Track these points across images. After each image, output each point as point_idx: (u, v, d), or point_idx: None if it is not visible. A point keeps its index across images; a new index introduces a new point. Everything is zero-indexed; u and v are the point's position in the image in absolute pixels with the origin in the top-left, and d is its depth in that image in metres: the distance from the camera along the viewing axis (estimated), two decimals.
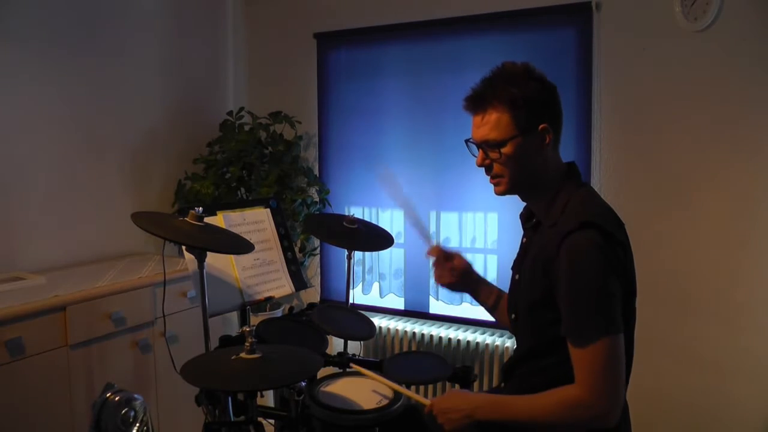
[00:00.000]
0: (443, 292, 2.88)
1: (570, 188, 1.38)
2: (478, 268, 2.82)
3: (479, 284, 1.70)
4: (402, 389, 1.56)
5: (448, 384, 2.65)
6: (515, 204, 2.41)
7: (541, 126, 1.34)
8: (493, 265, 2.78)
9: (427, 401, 1.43)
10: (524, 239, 1.51)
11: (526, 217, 1.52)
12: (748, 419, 2.31)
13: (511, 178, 1.38)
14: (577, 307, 1.25)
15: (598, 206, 1.36)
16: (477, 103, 1.37)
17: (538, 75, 1.37)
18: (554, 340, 1.31)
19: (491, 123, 1.35)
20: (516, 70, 1.36)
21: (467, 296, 2.83)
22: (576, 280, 1.25)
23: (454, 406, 1.35)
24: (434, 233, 2.91)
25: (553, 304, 1.30)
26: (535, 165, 1.37)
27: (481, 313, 2.77)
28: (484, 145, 1.37)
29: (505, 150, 1.35)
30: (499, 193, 1.42)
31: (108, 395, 1.85)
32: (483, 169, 1.43)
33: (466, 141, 1.43)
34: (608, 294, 1.24)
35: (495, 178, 1.41)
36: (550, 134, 1.35)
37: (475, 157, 1.43)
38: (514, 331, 1.51)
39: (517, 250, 1.55)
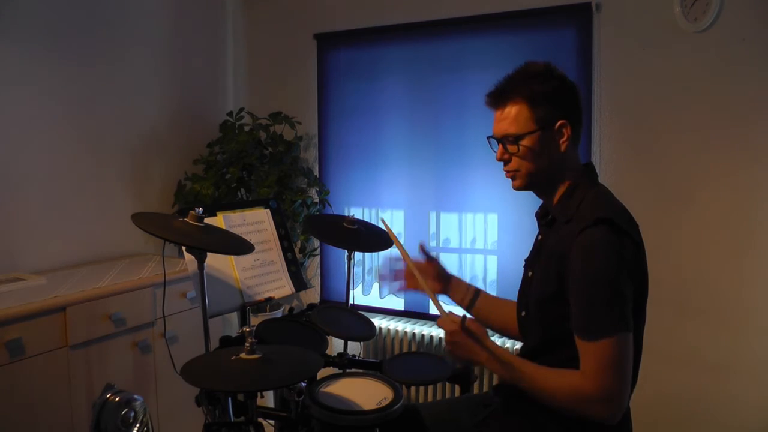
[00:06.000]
0: None
1: (586, 186, 1.40)
2: (478, 269, 2.83)
3: (451, 282, 1.75)
4: (428, 291, 1.51)
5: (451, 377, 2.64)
6: (515, 205, 2.43)
7: (559, 122, 1.36)
8: (493, 266, 2.78)
9: (445, 313, 1.38)
10: (539, 236, 1.52)
11: (541, 215, 1.53)
12: (750, 421, 2.31)
13: (527, 172, 1.40)
14: (588, 301, 1.25)
15: (613, 204, 1.37)
16: (498, 98, 1.41)
17: (559, 73, 1.40)
18: (563, 337, 1.31)
19: (511, 118, 1.38)
20: (537, 68, 1.40)
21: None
22: (588, 274, 1.25)
23: (469, 345, 1.33)
24: (433, 234, 2.91)
25: (563, 299, 1.30)
26: (551, 161, 1.39)
27: None
28: (503, 140, 1.41)
29: (523, 144, 1.37)
30: (516, 188, 1.45)
31: (108, 396, 1.85)
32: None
33: (488, 138, 1.46)
34: (619, 290, 1.24)
35: (512, 173, 1.43)
36: (568, 131, 1.37)
37: (495, 153, 1.45)
38: (523, 328, 1.51)
39: (531, 249, 1.56)
